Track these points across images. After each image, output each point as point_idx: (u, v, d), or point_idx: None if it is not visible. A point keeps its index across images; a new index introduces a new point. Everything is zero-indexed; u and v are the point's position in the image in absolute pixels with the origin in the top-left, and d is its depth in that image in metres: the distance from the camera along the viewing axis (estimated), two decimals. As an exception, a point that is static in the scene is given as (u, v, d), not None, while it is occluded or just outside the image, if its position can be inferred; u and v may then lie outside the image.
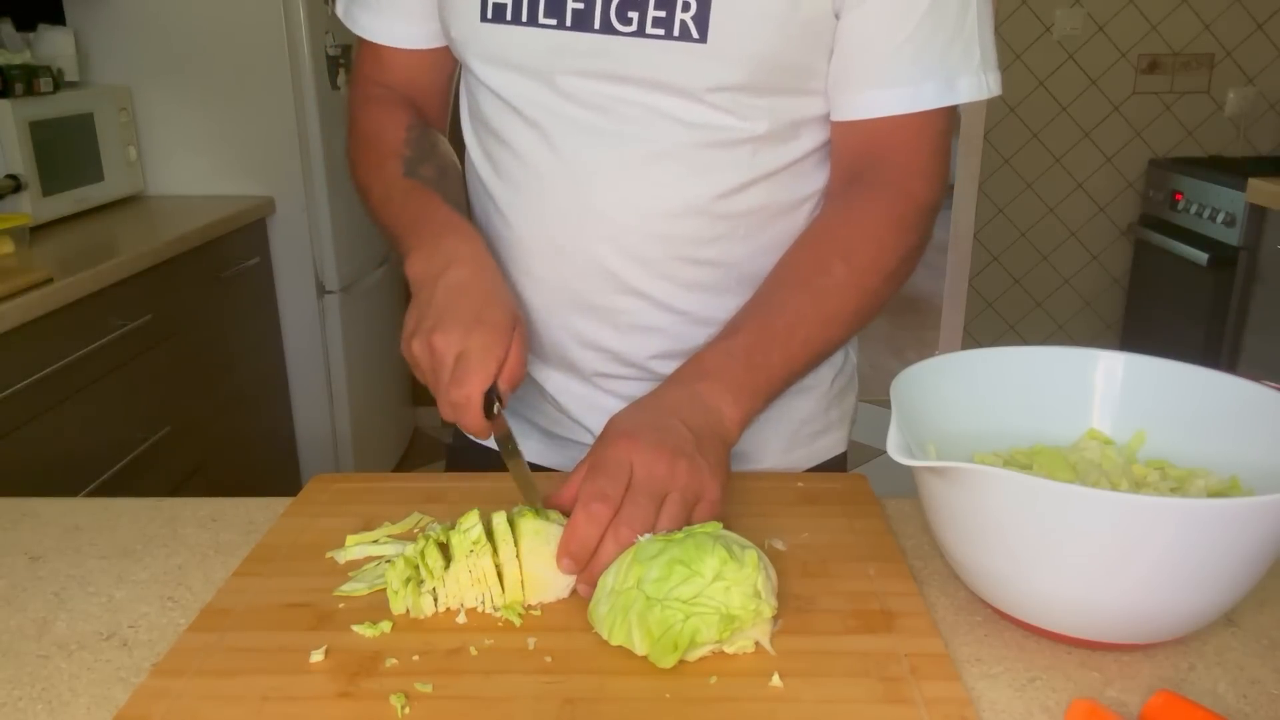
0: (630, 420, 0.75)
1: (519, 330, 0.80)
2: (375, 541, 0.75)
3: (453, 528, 0.69)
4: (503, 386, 0.78)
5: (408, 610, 0.67)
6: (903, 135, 0.86)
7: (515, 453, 0.79)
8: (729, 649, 0.63)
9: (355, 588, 0.70)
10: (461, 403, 0.76)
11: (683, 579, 0.62)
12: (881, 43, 0.83)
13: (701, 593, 0.62)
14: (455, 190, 0.92)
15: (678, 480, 0.71)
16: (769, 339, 0.82)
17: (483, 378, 0.76)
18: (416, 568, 0.68)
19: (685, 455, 0.72)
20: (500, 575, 0.68)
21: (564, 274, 0.90)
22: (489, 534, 0.69)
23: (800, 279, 0.85)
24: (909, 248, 0.88)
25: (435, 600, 0.68)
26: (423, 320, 0.79)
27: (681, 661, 0.62)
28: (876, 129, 0.86)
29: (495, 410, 0.78)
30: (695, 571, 0.62)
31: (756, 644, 0.64)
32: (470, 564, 0.67)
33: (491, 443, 0.80)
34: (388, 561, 0.72)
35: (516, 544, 0.68)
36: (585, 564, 0.68)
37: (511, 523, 0.69)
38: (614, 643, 0.63)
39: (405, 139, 0.93)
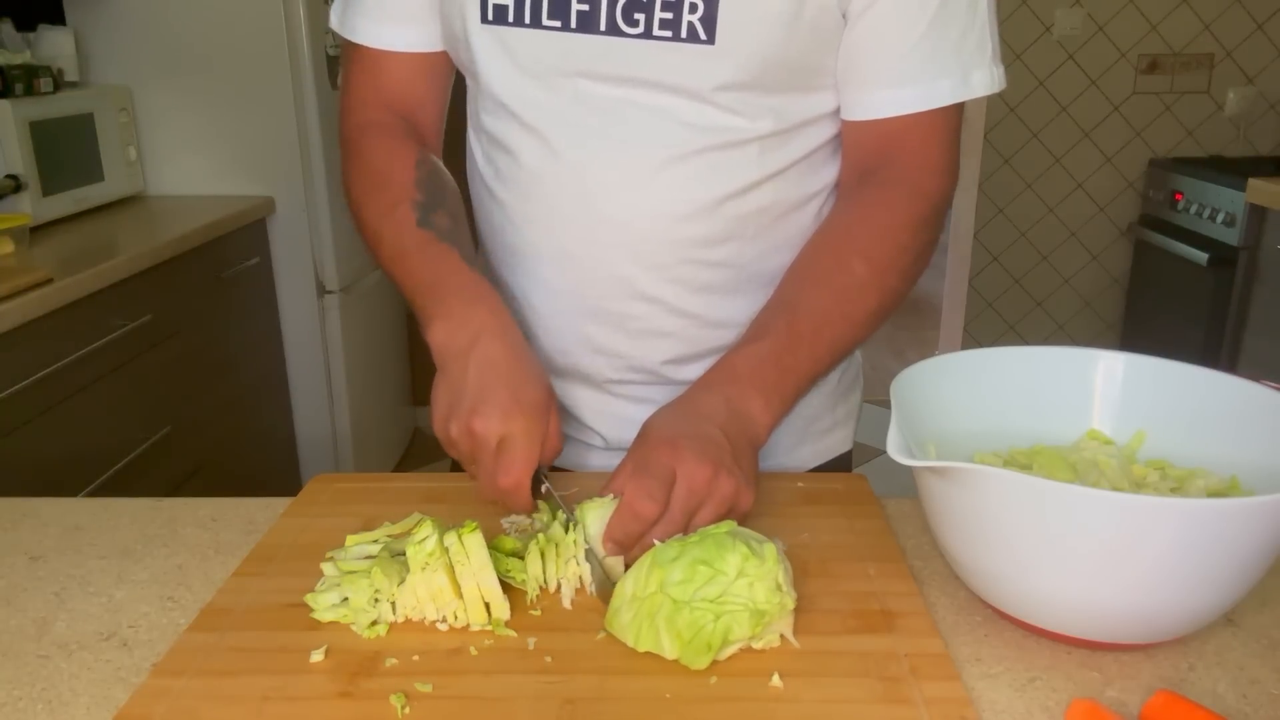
0: (671, 426, 0.75)
1: (554, 405, 0.80)
2: (375, 541, 0.75)
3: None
4: (547, 462, 0.79)
5: (375, 621, 0.67)
6: (917, 133, 0.86)
7: (555, 505, 0.79)
8: (757, 645, 0.63)
9: (322, 603, 0.69)
10: (511, 489, 0.76)
11: (707, 579, 0.62)
12: (895, 42, 0.83)
13: (727, 591, 0.62)
14: (469, 240, 0.90)
15: (717, 493, 0.71)
16: (796, 341, 0.82)
17: (529, 464, 0.76)
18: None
19: (725, 468, 0.72)
20: (460, 592, 0.67)
21: (574, 281, 0.90)
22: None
23: (823, 279, 0.85)
24: (924, 245, 0.88)
25: (394, 609, 0.67)
26: (458, 402, 0.78)
27: (715, 662, 0.62)
28: (890, 127, 0.85)
29: (544, 490, 0.78)
30: (719, 570, 0.62)
31: (781, 637, 0.64)
32: (426, 579, 0.66)
33: None
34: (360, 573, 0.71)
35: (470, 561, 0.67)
36: (628, 552, 0.70)
37: (463, 540, 0.68)
38: (641, 649, 0.63)
39: (415, 180, 0.90)
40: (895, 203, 0.87)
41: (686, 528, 0.71)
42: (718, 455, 0.72)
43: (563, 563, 0.71)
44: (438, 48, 0.95)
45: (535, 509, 0.78)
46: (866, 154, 0.88)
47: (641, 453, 0.73)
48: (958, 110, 0.87)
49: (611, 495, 0.72)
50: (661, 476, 0.70)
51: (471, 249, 0.90)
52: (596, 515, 0.71)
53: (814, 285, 0.85)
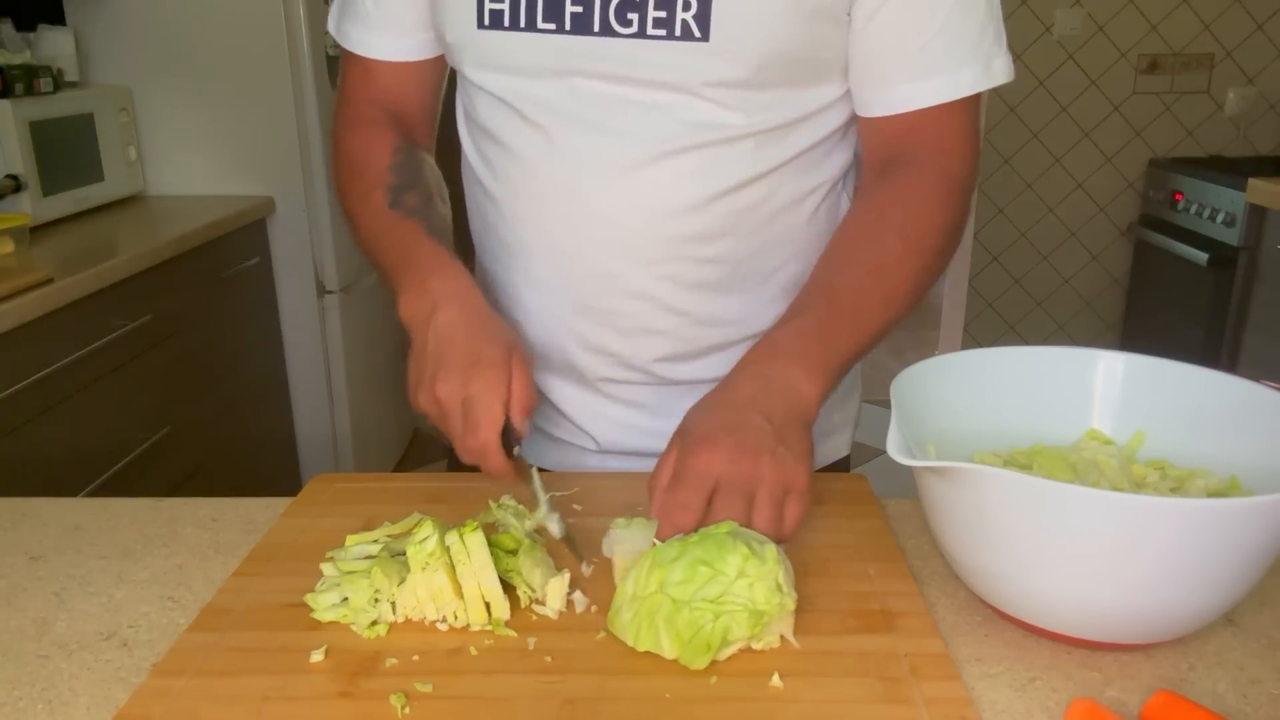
0: (707, 424, 0.73)
1: (517, 358, 0.79)
2: (375, 541, 0.75)
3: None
4: (516, 418, 0.78)
5: (375, 621, 0.67)
6: (940, 124, 0.86)
7: (526, 472, 0.79)
8: (757, 645, 0.63)
9: (322, 603, 0.69)
10: (479, 449, 0.76)
11: (707, 579, 0.62)
12: (913, 36, 0.83)
13: (727, 591, 0.62)
14: (439, 217, 0.91)
15: (766, 479, 0.70)
16: (837, 316, 0.81)
17: (492, 421, 0.76)
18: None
19: (767, 450, 0.71)
20: (460, 592, 0.67)
21: (566, 277, 0.90)
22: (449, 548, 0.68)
23: (859, 258, 0.84)
24: (954, 225, 0.88)
25: (394, 609, 0.67)
26: (422, 371, 0.80)
27: (714, 662, 0.62)
28: (911, 120, 0.85)
29: (516, 451, 0.78)
30: (719, 571, 0.62)
31: (781, 638, 0.64)
32: (426, 579, 0.66)
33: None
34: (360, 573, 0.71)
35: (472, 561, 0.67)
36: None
37: (464, 539, 0.68)
38: (640, 649, 0.63)
39: (391, 164, 0.92)
40: (923, 184, 0.86)
41: (749, 519, 0.70)
42: (758, 442, 0.71)
43: (549, 573, 0.70)
44: (428, 55, 0.96)
45: (514, 472, 0.78)
46: (887, 146, 0.88)
47: (680, 456, 0.72)
48: (976, 97, 0.87)
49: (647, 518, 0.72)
50: (696, 484, 0.69)
51: (441, 224, 0.90)
52: (644, 534, 0.71)
53: (851, 265, 0.84)
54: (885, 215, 0.86)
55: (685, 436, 0.73)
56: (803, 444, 0.74)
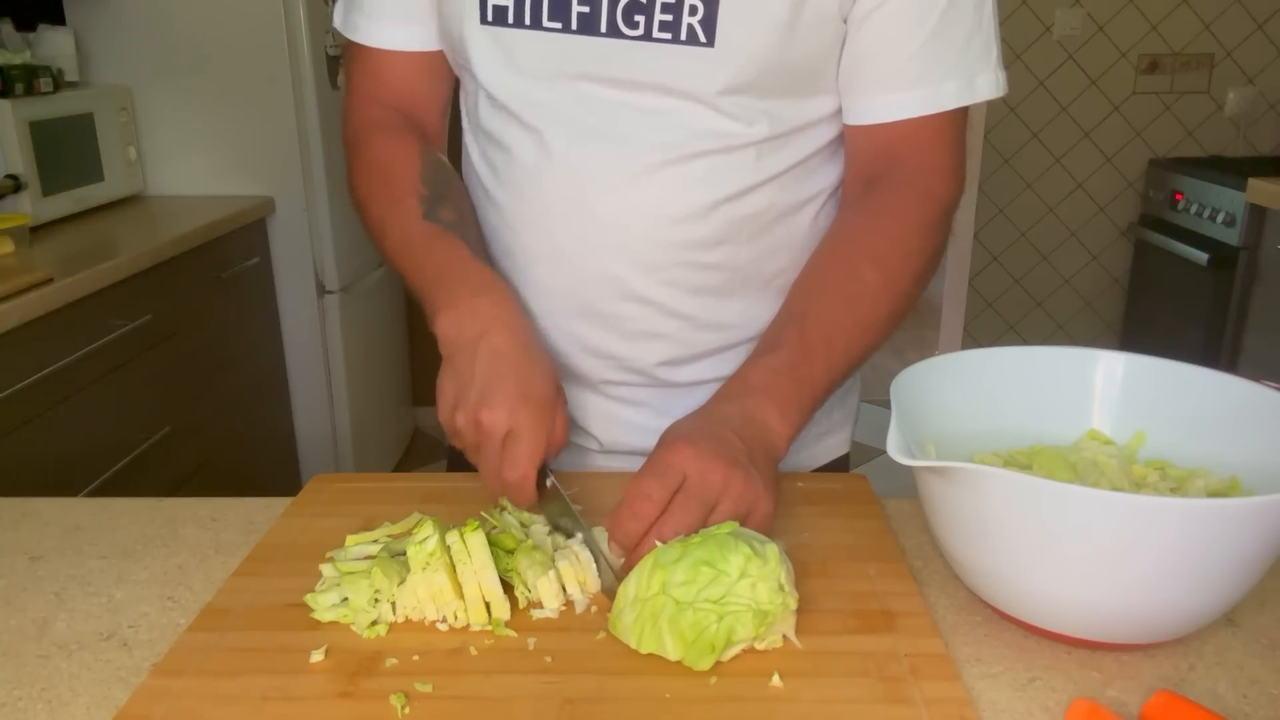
0: (687, 427, 0.75)
1: (561, 398, 0.79)
2: (375, 541, 0.75)
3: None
4: (552, 456, 0.78)
5: (375, 621, 0.67)
6: (922, 137, 0.86)
7: (560, 499, 0.78)
8: (760, 645, 0.63)
9: (322, 603, 0.69)
10: (516, 482, 0.75)
11: (710, 579, 0.62)
12: (900, 45, 0.83)
13: (730, 591, 0.62)
14: (476, 233, 0.90)
15: (732, 490, 0.70)
16: (810, 351, 0.81)
17: (534, 458, 0.75)
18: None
19: (740, 466, 0.71)
20: (460, 592, 0.67)
21: (569, 281, 0.90)
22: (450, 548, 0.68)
23: (834, 287, 0.84)
24: (934, 248, 0.87)
25: (394, 609, 0.67)
26: (464, 393, 0.77)
27: (718, 663, 0.62)
28: (895, 131, 0.85)
29: (549, 484, 0.78)
30: (721, 571, 0.62)
31: (784, 638, 0.64)
32: (426, 579, 0.66)
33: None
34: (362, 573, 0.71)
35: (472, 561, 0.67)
36: (631, 552, 0.69)
37: (465, 539, 0.68)
38: (644, 650, 0.63)
39: (421, 174, 0.90)
40: (904, 207, 0.86)
41: (706, 523, 0.70)
42: (731, 454, 0.72)
43: (540, 573, 0.70)
44: (438, 47, 0.95)
45: (538, 500, 0.78)
46: (871, 160, 0.88)
47: (656, 452, 0.73)
48: (962, 114, 0.87)
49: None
50: (663, 476, 0.70)
51: (478, 241, 0.90)
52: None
53: (825, 294, 0.84)
54: (862, 242, 0.86)
55: (664, 439, 0.74)
56: (770, 474, 0.75)
